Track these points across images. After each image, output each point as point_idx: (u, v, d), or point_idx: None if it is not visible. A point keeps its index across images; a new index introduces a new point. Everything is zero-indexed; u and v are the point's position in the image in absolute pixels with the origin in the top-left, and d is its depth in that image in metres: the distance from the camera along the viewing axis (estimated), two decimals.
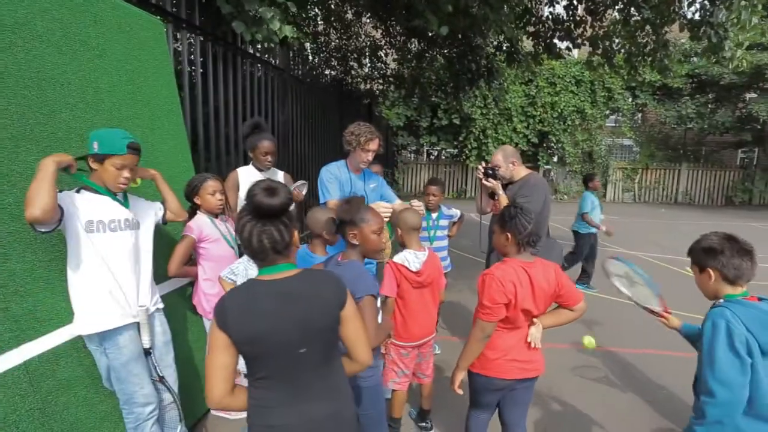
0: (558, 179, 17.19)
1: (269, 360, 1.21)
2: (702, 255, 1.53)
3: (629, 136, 16.76)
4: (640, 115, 17.67)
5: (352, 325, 1.29)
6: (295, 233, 1.29)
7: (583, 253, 5.46)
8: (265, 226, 1.20)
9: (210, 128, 3.60)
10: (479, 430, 1.98)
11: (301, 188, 2.69)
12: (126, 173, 1.79)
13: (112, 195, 1.82)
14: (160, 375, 1.96)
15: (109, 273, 1.77)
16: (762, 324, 1.37)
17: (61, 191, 1.65)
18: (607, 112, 16.50)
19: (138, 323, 1.87)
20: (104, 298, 1.76)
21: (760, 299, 1.45)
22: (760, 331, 1.36)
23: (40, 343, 1.66)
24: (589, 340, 2.56)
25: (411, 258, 2.21)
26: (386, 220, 2.23)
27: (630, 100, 16.38)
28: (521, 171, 2.79)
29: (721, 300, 1.49)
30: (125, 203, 1.88)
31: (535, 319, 1.82)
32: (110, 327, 1.77)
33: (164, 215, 2.10)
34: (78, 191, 1.73)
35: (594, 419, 2.75)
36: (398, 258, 2.22)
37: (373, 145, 2.59)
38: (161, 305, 2.04)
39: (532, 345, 1.81)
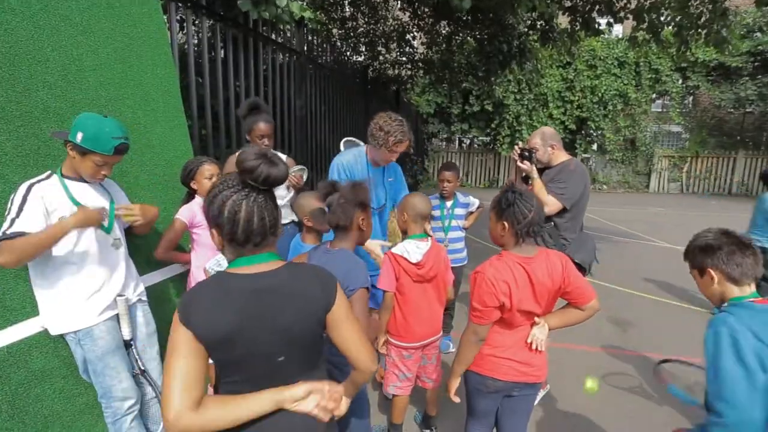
0: (597, 168, 16.28)
1: (242, 366, 1.02)
2: (699, 255, 1.37)
3: (678, 122, 15.54)
4: (691, 98, 16.32)
5: (346, 328, 1.10)
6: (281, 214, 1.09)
7: None
8: (266, 201, 1.00)
9: (219, 113, 3.49)
10: None
11: (300, 174, 2.52)
12: (105, 170, 1.67)
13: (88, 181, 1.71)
14: (142, 368, 1.87)
15: (86, 266, 1.67)
16: None
17: (31, 186, 1.54)
18: (654, 95, 15.36)
19: (117, 314, 1.78)
20: (79, 294, 1.66)
21: None
22: None
23: (9, 333, 1.58)
24: (591, 384, 2.13)
25: (411, 249, 1.99)
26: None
27: (680, 82, 15.14)
28: (560, 156, 2.54)
29: (725, 304, 1.31)
30: (103, 190, 1.77)
31: (538, 319, 1.58)
32: (87, 326, 1.68)
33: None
34: (49, 177, 1.62)
35: None
36: (397, 249, 2.01)
37: (402, 147, 2.26)
38: (144, 296, 1.93)
39: (534, 346, 1.57)
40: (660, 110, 16.16)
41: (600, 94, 14.33)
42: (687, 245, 1.44)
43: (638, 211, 11.46)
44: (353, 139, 2.58)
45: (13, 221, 1.47)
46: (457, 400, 1.70)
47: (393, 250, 2.03)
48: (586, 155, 15.79)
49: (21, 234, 1.46)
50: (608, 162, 16.11)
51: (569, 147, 14.99)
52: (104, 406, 1.77)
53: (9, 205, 1.50)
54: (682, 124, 15.92)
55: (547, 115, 14.75)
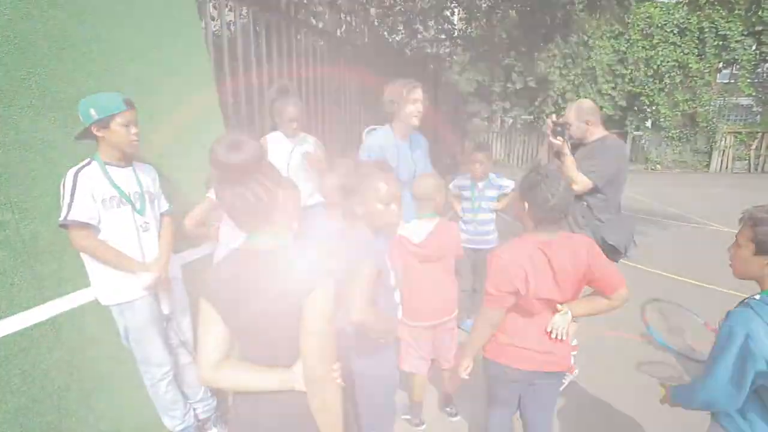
0: (650, 147, 15.19)
1: (242, 337, 1.12)
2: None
3: (748, 94, 14.07)
4: (766, 66, 14.66)
5: (309, 323, 1.03)
6: (280, 195, 1.13)
7: None
8: (236, 185, 1.06)
9: (254, 97, 3.60)
10: None
11: (318, 156, 2.56)
12: (134, 129, 1.79)
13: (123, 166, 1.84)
14: (182, 339, 2.04)
15: (124, 247, 1.81)
16: None
17: (77, 173, 1.69)
18: (720, 65, 13.94)
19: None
20: (122, 271, 1.80)
21: None
22: None
23: (65, 301, 1.77)
24: None
25: (416, 229, 2.02)
26: None
27: (753, 48, 13.60)
28: (596, 132, 2.43)
29: (756, 296, 1.17)
30: (136, 175, 1.89)
31: (561, 306, 1.54)
32: (129, 299, 1.84)
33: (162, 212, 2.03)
34: (89, 163, 1.75)
35: (656, 430, 2.35)
36: (403, 229, 2.04)
37: (418, 93, 2.37)
38: (179, 275, 2.09)
39: (553, 335, 1.54)
40: (726, 81, 14.71)
41: (656, 66, 13.23)
42: (755, 213, 1.25)
43: (694, 192, 10.65)
44: (376, 127, 2.61)
45: (70, 206, 1.65)
46: (466, 376, 1.69)
47: (399, 230, 2.05)
48: (638, 133, 14.76)
49: (79, 222, 1.66)
50: (663, 140, 14.98)
51: (619, 124, 14.08)
52: (143, 371, 1.95)
53: (62, 191, 1.68)
54: (753, 96, 14.40)
55: (596, 90, 13.85)
